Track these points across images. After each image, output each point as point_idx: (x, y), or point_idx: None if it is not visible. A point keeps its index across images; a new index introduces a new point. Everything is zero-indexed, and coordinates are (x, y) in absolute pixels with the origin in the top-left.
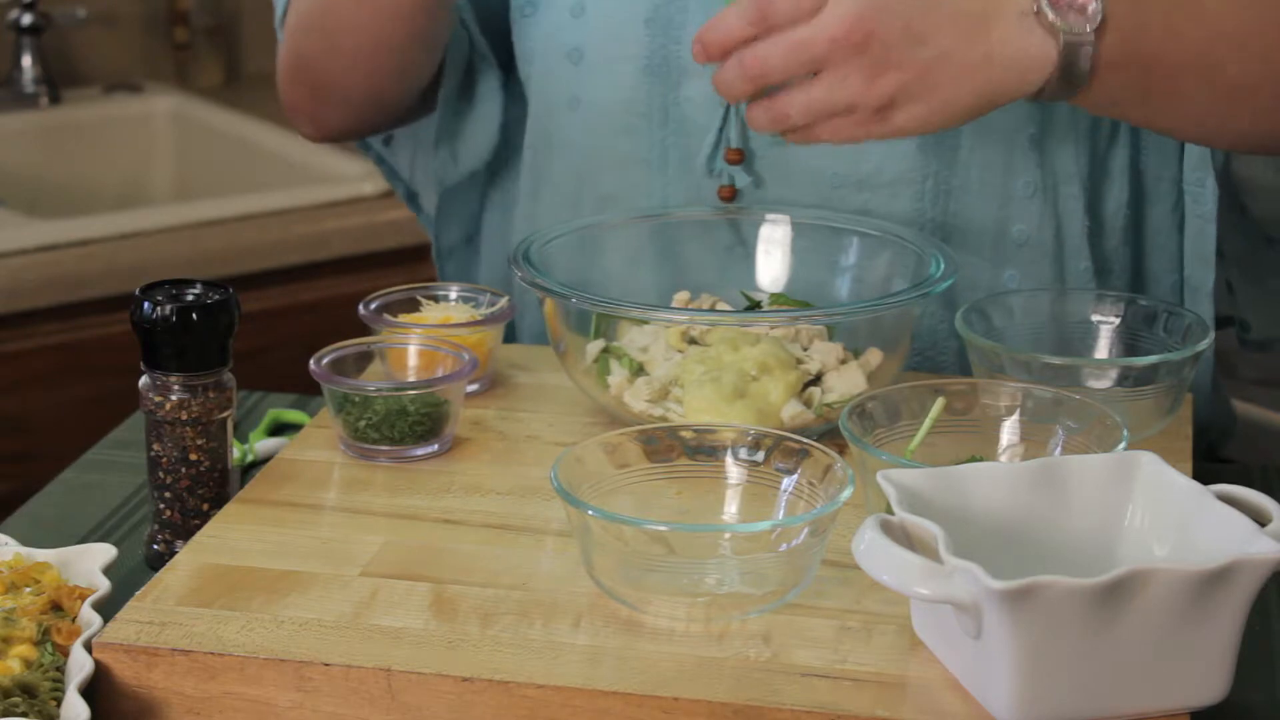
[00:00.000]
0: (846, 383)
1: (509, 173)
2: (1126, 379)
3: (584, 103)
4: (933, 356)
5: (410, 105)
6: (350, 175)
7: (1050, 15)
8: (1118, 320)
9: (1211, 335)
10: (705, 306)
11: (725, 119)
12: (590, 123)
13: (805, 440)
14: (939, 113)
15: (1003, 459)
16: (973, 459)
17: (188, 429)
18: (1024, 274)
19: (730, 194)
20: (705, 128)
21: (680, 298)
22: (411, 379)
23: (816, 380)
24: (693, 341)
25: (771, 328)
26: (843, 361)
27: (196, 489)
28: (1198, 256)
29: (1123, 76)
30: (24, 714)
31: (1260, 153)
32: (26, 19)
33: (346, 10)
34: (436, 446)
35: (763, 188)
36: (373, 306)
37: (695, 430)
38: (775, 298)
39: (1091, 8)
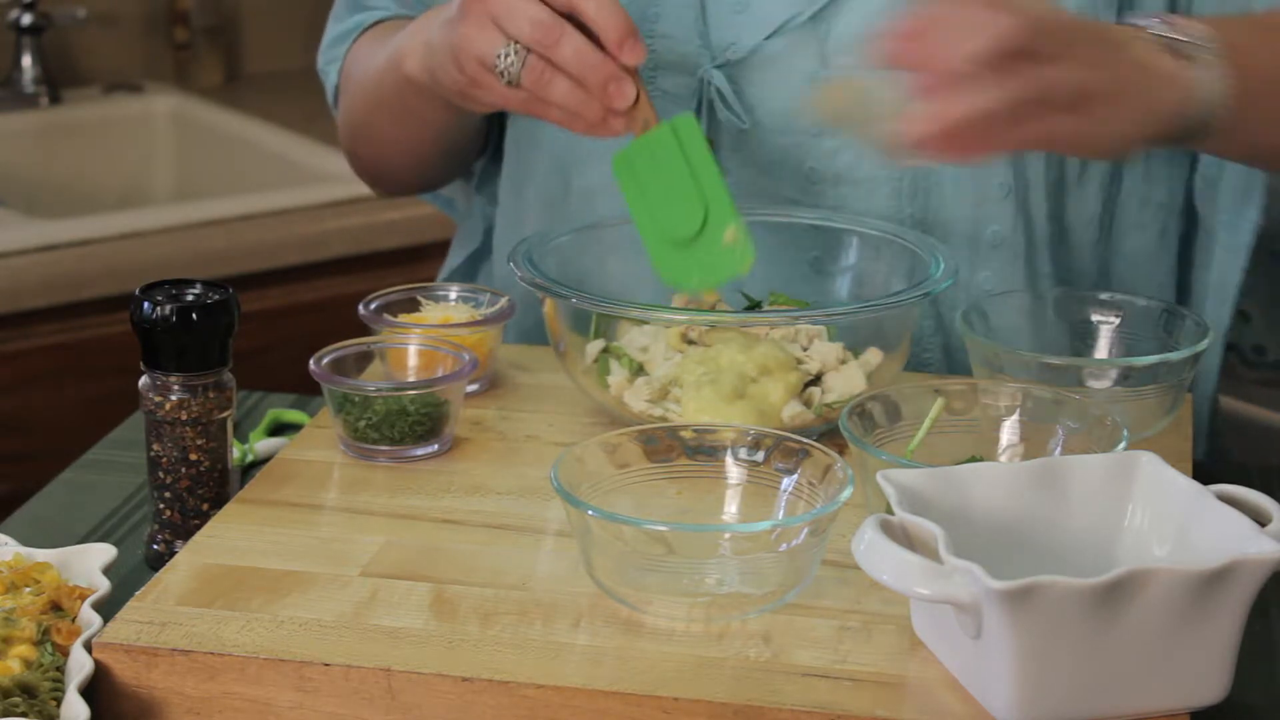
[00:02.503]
0: (846, 383)
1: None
2: (1126, 379)
3: None
4: (917, 354)
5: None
6: (350, 175)
7: (1170, 33)
8: (1118, 320)
9: (1211, 335)
10: (705, 306)
11: (696, 111)
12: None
13: (805, 440)
14: (1139, 116)
15: (1003, 459)
16: (973, 459)
17: (188, 429)
18: (997, 276)
19: None
20: None
21: (680, 298)
22: (411, 379)
23: (816, 380)
24: (691, 342)
25: (771, 327)
26: (842, 361)
27: (196, 489)
28: (1221, 285)
29: (1256, 88)
30: (24, 714)
31: None
32: (26, 19)
33: (386, 128)
34: (436, 446)
35: (737, 181)
36: (373, 306)
37: (695, 430)
38: (775, 297)
39: (1196, 28)
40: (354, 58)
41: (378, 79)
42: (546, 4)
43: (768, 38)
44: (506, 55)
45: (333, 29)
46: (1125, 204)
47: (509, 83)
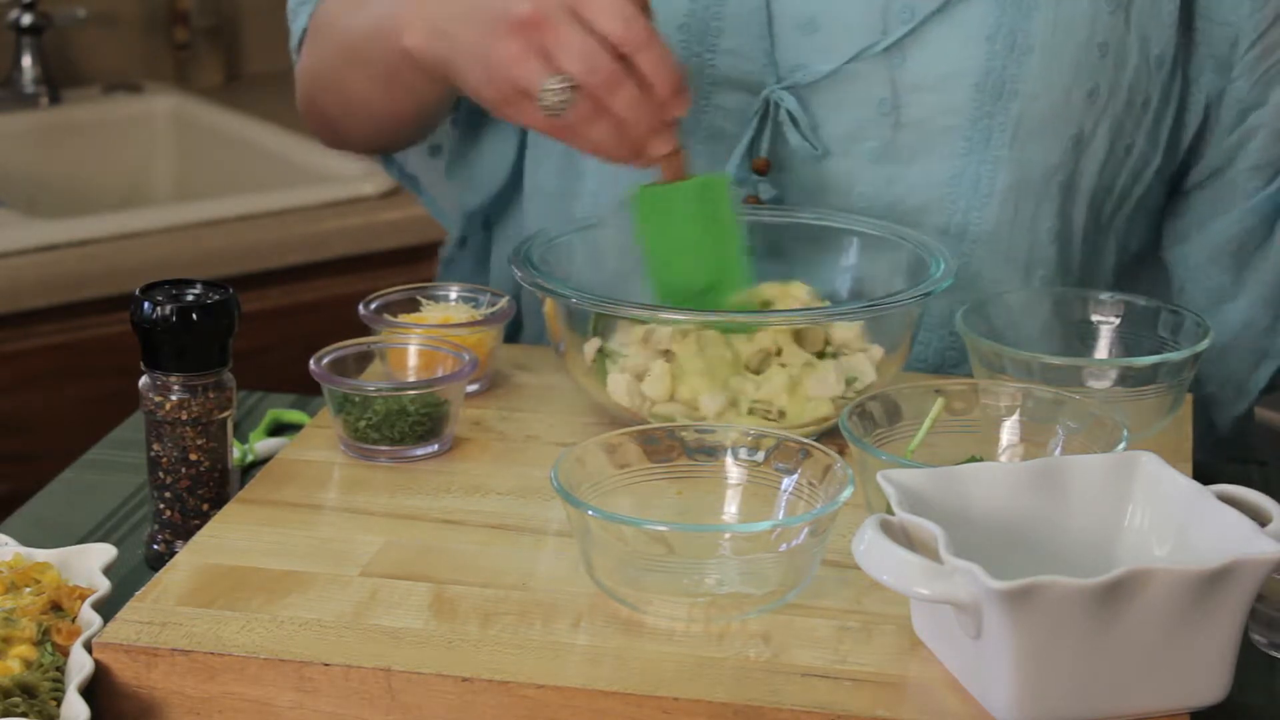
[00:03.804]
0: (863, 366)
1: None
2: (1126, 379)
3: None
4: (919, 356)
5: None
6: (350, 175)
7: None
8: (1118, 320)
9: (1211, 335)
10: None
11: (759, 130)
12: None
13: (805, 440)
14: None
15: (1003, 459)
16: (973, 459)
17: (188, 429)
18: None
19: (754, 204)
20: (735, 137)
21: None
22: (411, 379)
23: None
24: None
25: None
26: (861, 350)
27: (196, 489)
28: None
29: None
30: (24, 714)
31: None
32: (26, 19)
33: (360, 87)
34: (436, 446)
35: (786, 200)
36: (373, 306)
37: (695, 430)
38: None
39: None
40: (330, 8)
41: (362, 37)
42: (604, 39)
43: (846, 64)
44: (554, 91)
45: None
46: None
47: (551, 114)
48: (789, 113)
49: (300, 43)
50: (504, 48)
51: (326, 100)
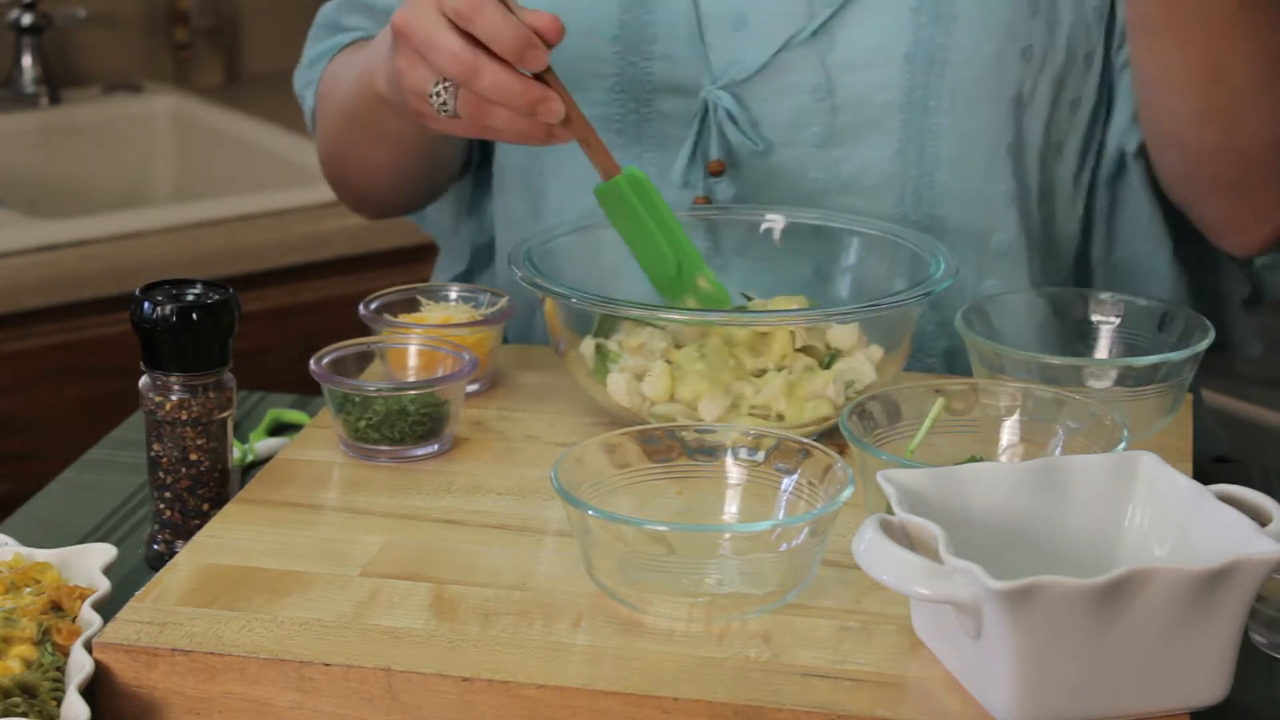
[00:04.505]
0: (861, 368)
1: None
2: (1126, 379)
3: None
4: (919, 358)
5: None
6: None
7: None
8: (1118, 320)
9: (1211, 334)
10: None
11: (700, 132)
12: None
13: (805, 440)
14: None
15: (1003, 459)
16: (973, 459)
17: (188, 429)
18: (1003, 284)
19: (704, 205)
20: (679, 141)
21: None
22: (411, 379)
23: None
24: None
25: (771, 327)
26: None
27: (196, 489)
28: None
29: None
30: (24, 714)
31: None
32: (26, 19)
33: (364, 147)
34: (436, 446)
35: (740, 195)
36: (373, 306)
37: (695, 430)
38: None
39: None
40: (328, 78)
41: (353, 98)
42: (462, 32)
43: (775, 55)
44: (438, 93)
45: (310, 50)
46: (1122, 212)
47: (449, 115)
48: (726, 111)
49: (313, 123)
50: (396, 63)
51: (345, 170)
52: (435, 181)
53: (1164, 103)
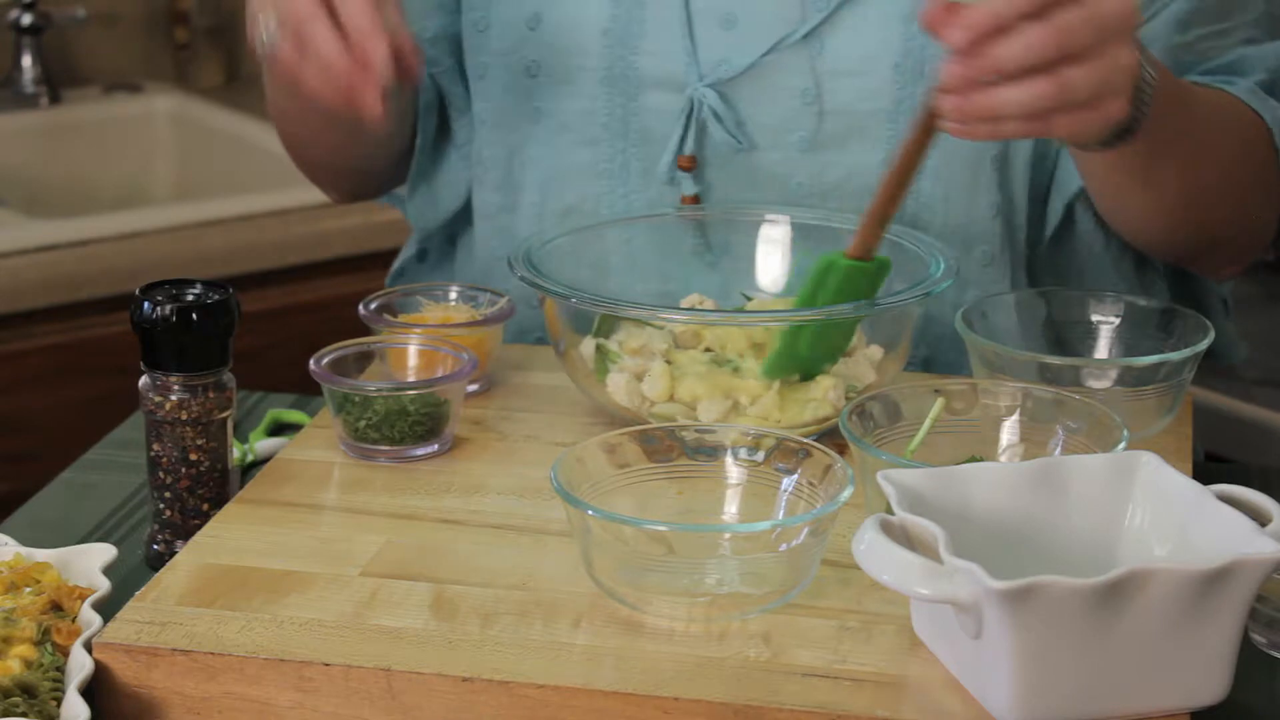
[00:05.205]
0: (861, 369)
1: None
2: (1126, 379)
3: (544, 116)
4: (928, 357)
5: (406, 158)
6: None
7: None
8: (1118, 320)
9: (1211, 334)
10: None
11: (685, 128)
12: (551, 135)
13: (805, 440)
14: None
15: (1003, 459)
16: (973, 459)
17: (188, 429)
18: (986, 295)
19: (693, 203)
20: (665, 137)
21: (691, 299)
22: (411, 379)
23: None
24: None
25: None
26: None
27: (196, 489)
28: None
29: (1170, 110)
30: (24, 714)
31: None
32: (26, 19)
33: (300, 129)
34: (436, 446)
35: (722, 195)
36: (373, 306)
37: (695, 430)
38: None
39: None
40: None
41: (276, 91)
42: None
43: (763, 56)
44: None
45: None
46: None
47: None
48: (711, 109)
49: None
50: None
51: (305, 164)
52: (390, 158)
53: (1113, 210)
